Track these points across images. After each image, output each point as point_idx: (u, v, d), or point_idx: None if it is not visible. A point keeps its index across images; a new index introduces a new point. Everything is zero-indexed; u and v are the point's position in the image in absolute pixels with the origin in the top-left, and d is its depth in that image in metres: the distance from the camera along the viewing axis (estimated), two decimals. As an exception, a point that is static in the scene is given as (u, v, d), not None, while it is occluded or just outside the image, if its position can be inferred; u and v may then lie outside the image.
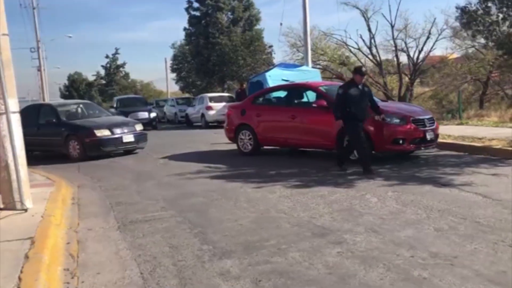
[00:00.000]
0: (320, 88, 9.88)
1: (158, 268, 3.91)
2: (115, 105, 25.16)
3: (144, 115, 23.01)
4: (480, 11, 8.93)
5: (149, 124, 22.26)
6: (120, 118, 14.55)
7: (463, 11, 9.19)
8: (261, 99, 11.07)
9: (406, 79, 27.87)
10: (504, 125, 12.87)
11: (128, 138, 12.10)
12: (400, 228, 4.65)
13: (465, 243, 4.12)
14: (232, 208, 5.88)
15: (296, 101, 10.26)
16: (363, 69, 8.62)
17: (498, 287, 3.23)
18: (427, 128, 8.66)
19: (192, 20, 36.86)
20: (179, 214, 5.68)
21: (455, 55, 27.35)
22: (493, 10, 8.94)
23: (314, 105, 9.48)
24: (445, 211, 5.18)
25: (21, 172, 5.80)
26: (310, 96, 10.32)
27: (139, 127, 12.79)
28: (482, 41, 10.84)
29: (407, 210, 5.32)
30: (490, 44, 9.19)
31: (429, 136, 8.63)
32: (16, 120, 5.82)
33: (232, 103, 12.93)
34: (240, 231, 4.82)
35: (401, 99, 24.24)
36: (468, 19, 9.06)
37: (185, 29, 37.88)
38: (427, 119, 8.85)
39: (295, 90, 10.61)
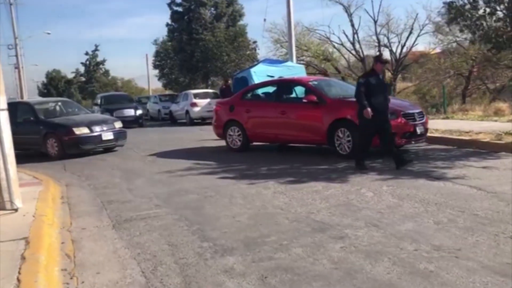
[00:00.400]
0: (310, 83, 9.86)
1: (159, 267, 3.83)
2: (98, 103, 24.39)
3: (130, 112, 22.30)
4: (468, 6, 9.01)
5: (135, 122, 21.81)
6: (99, 116, 14.54)
7: (450, 6, 9.25)
8: (250, 94, 10.98)
9: (388, 74, 28.10)
10: (489, 119, 13.05)
11: (107, 136, 12.02)
12: (400, 222, 4.65)
13: (466, 235, 4.13)
14: (227, 204, 5.82)
15: (285, 97, 10.20)
16: (384, 57, 8.47)
17: (505, 279, 3.23)
18: (417, 122, 8.70)
19: (174, 15, 36.51)
20: (174, 212, 5.59)
21: (436, 50, 27.69)
22: (481, 3, 9.03)
23: (304, 100, 9.45)
24: (442, 204, 5.20)
25: (11, 171, 5.65)
26: (300, 91, 10.29)
27: (118, 125, 12.69)
28: (469, 36, 10.93)
29: (404, 204, 5.33)
30: (477, 38, 9.29)
31: (419, 130, 8.67)
32: (4, 118, 5.67)
33: (220, 99, 12.81)
34: (239, 228, 4.77)
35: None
36: (455, 14, 9.13)
37: (167, 24, 37.51)
38: (417, 113, 8.90)
39: (285, 85, 10.54)
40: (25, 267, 3.64)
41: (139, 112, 22.91)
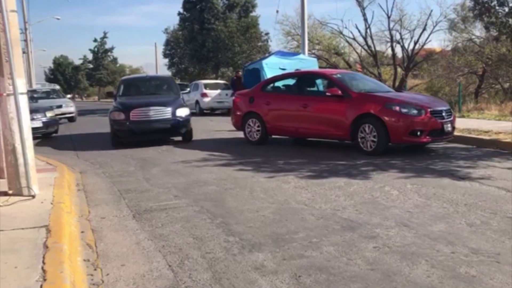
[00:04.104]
0: (334, 76, 9.58)
1: (186, 261, 3.70)
2: (117, 92, 12.56)
3: (163, 113, 11.00)
4: (494, 2, 8.77)
5: (173, 132, 11.28)
6: (36, 105, 15.07)
7: (476, 2, 9.00)
8: (270, 86, 10.71)
9: (399, 70, 27.78)
10: (506, 119, 12.84)
11: (35, 124, 12.66)
12: (431, 222, 4.49)
13: (503, 239, 3.97)
14: (249, 198, 5.68)
15: (308, 90, 9.94)
16: None
17: (552, 287, 3.08)
18: (445, 120, 8.44)
19: (186, 4, 36.17)
20: (195, 203, 5.46)
21: (446, 48, 27.34)
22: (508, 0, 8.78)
23: (327, 93, 9.19)
24: (472, 205, 5.04)
25: (28, 156, 5.52)
26: (322, 84, 10.07)
27: (50, 114, 13.95)
28: (493, 33, 10.69)
29: (432, 203, 5.17)
30: (503, 36, 9.05)
31: (446, 128, 8.43)
32: (24, 102, 5.53)
33: (242, 91, 12.50)
34: (265, 223, 4.63)
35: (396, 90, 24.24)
36: (480, 10, 8.89)
37: (179, 13, 37.24)
38: (445, 110, 8.62)
39: (307, 78, 10.27)
40: (49, 256, 3.51)
41: (183, 112, 11.28)
